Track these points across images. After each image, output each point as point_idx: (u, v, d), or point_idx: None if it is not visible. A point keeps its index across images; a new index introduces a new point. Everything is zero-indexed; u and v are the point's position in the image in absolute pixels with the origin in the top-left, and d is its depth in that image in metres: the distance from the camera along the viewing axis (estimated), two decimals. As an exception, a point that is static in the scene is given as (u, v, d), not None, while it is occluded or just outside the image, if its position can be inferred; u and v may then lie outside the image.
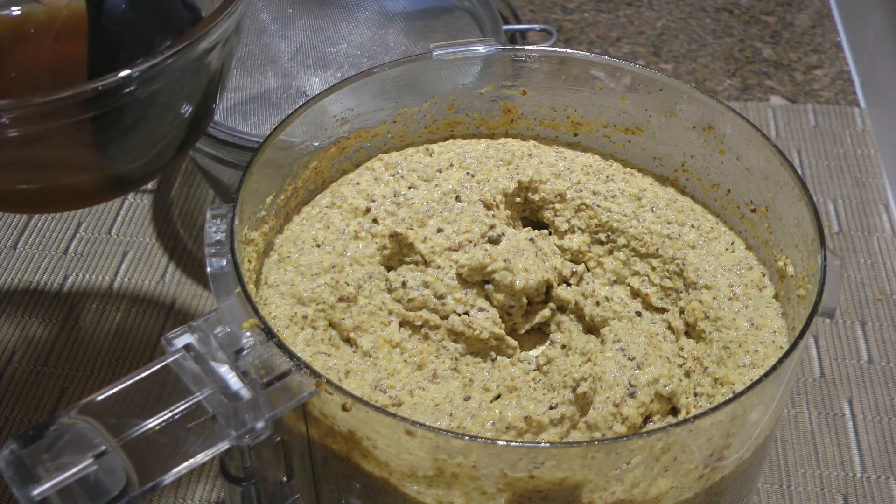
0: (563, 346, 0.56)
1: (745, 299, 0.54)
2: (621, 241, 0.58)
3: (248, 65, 0.78)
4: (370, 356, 0.53)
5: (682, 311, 0.55)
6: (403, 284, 0.56)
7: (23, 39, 0.57)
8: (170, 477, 0.43)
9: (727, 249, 0.57)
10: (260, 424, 0.44)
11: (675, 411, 0.52)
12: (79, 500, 0.41)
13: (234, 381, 0.44)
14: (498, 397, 0.53)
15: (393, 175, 0.60)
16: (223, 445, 0.44)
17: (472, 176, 0.60)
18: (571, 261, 0.59)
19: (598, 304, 0.56)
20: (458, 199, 0.58)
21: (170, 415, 0.43)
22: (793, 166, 0.54)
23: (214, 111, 0.57)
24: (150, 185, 0.84)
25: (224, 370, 0.45)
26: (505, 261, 0.55)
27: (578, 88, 0.62)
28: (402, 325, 0.55)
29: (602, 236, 0.59)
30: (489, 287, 0.56)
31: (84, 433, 0.42)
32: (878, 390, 0.71)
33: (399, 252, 0.57)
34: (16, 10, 0.58)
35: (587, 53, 0.61)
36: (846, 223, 0.83)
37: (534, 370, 0.55)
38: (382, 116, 0.61)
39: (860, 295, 0.77)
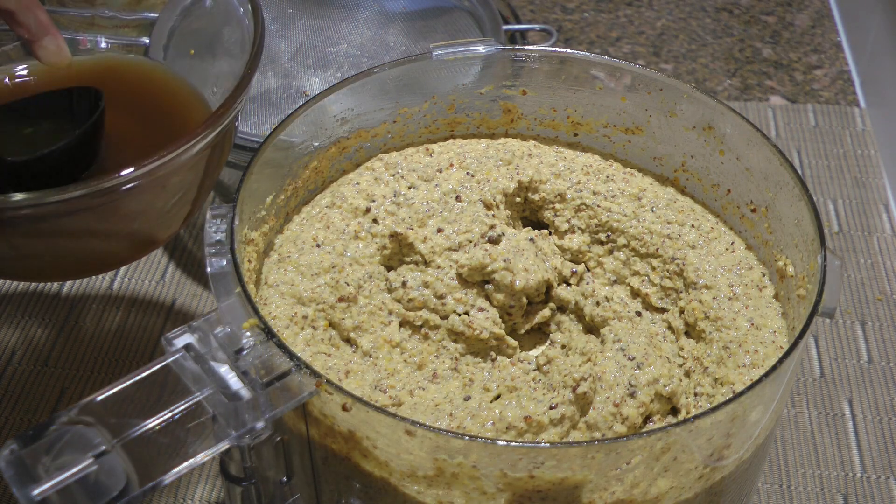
0: (563, 346, 0.56)
1: (745, 299, 0.54)
2: (621, 241, 0.58)
3: (249, 65, 0.78)
4: (370, 356, 0.53)
5: (682, 311, 0.55)
6: (403, 284, 0.56)
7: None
8: (170, 477, 0.43)
9: (727, 249, 0.57)
10: (260, 424, 0.44)
11: (675, 411, 0.52)
12: (79, 500, 0.41)
13: (234, 381, 0.44)
14: (498, 397, 0.53)
15: (393, 175, 0.60)
16: (223, 445, 0.44)
17: (472, 176, 0.60)
18: (571, 261, 0.59)
19: (598, 304, 0.56)
20: (458, 199, 0.58)
21: (170, 415, 0.43)
22: (793, 166, 0.54)
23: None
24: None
25: (224, 370, 0.45)
26: (505, 261, 0.55)
27: (578, 88, 0.62)
28: (402, 325, 0.55)
29: (602, 236, 0.59)
30: (489, 287, 0.56)
31: (84, 433, 0.42)
32: (878, 390, 0.71)
33: (399, 252, 0.57)
34: (21, 69, 0.58)
35: (587, 53, 0.61)
36: (846, 223, 0.83)
37: (534, 370, 0.55)
38: (382, 116, 0.61)
39: (860, 295, 0.77)
